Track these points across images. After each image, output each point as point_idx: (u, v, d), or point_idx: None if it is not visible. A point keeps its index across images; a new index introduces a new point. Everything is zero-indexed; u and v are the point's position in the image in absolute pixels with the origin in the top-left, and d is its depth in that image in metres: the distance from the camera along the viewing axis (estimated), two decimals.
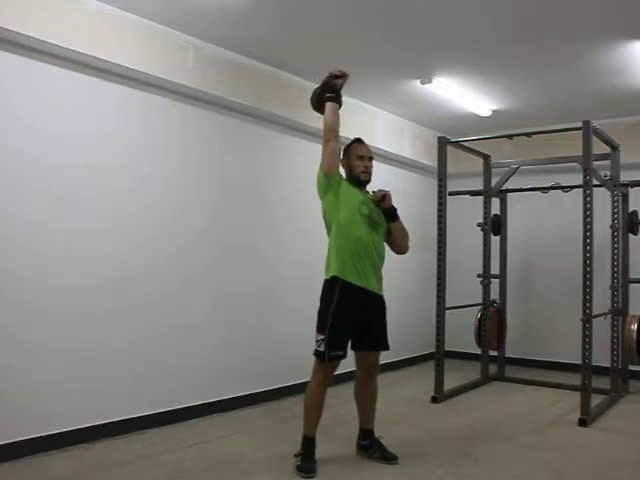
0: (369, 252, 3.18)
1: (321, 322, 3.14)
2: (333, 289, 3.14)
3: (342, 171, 3.33)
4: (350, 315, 3.14)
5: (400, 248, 3.41)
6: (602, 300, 4.64)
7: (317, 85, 3.33)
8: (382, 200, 3.28)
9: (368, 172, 3.29)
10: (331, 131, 3.17)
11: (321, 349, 3.10)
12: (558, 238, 6.08)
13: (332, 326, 3.09)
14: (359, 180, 3.28)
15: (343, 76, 3.23)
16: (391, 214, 3.31)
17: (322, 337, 3.10)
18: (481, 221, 5.54)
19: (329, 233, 3.24)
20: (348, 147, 3.35)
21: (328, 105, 3.21)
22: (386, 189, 3.32)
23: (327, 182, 3.18)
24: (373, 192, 3.31)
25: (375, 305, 3.26)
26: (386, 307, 3.32)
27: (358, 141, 3.37)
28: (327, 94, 3.22)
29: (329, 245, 3.22)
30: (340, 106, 3.27)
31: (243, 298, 4.48)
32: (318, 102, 3.28)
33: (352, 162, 3.28)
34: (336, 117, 3.20)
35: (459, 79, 4.80)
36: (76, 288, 3.45)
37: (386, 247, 3.37)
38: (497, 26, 3.76)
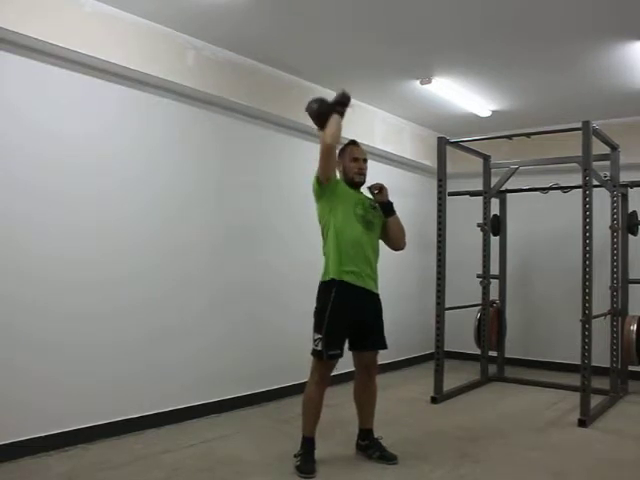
0: (365, 252, 3.20)
1: (318, 321, 3.15)
2: (329, 289, 3.15)
3: (337, 173, 3.33)
4: (347, 314, 3.15)
5: (397, 243, 3.42)
6: (602, 300, 4.65)
7: (317, 98, 3.23)
8: (379, 192, 3.29)
9: (362, 174, 3.31)
10: (336, 142, 3.12)
11: (318, 348, 3.11)
12: (557, 238, 6.08)
13: (329, 325, 3.10)
14: (353, 182, 3.30)
15: (349, 101, 3.22)
16: (388, 208, 3.33)
17: (319, 336, 3.11)
18: (481, 221, 5.54)
19: (324, 235, 3.25)
20: (343, 149, 3.36)
21: (338, 117, 3.14)
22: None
23: (321, 189, 3.19)
24: (369, 187, 3.32)
25: (372, 303, 3.27)
26: (382, 306, 3.33)
27: (353, 143, 3.38)
28: (339, 107, 3.16)
29: (325, 247, 3.24)
30: None
31: (243, 298, 4.48)
32: (326, 112, 3.15)
33: (347, 164, 3.30)
34: (340, 131, 3.18)
35: (459, 79, 4.80)
36: (75, 286, 3.45)
37: (382, 246, 3.38)
38: (497, 26, 3.76)
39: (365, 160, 3.34)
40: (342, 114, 3.16)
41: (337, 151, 3.26)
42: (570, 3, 3.38)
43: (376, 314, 3.30)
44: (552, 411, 4.49)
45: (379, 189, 3.31)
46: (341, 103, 3.17)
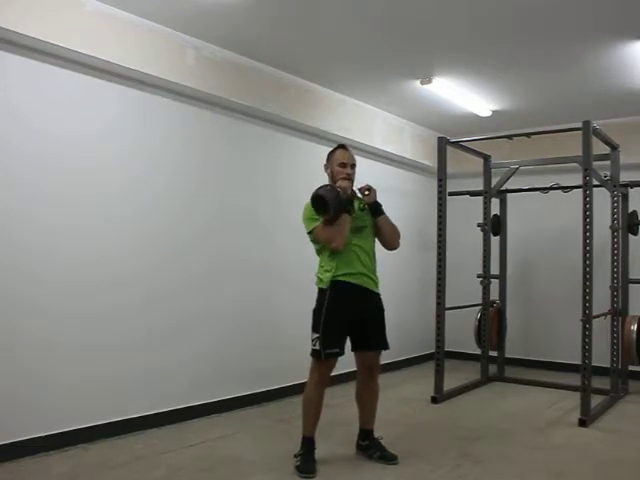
0: (359, 256, 3.21)
1: (315, 321, 3.16)
2: (326, 290, 3.17)
3: (325, 177, 3.35)
4: (344, 311, 3.15)
5: (390, 243, 3.38)
6: (602, 300, 4.64)
7: (328, 188, 3.13)
8: (368, 194, 3.26)
9: (349, 179, 3.26)
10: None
11: (316, 347, 3.11)
12: (558, 238, 6.08)
13: (326, 323, 3.11)
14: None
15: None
16: (376, 209, 3.31)
17: (317, 335, 3.12)
18: (481, 221, 5.54)
19: (317, 248, 3.26)
20: (331, 154, 3.34)
21: (348, 217, 3.14)
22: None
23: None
24: (359, 189, 3.31)
25: (371, 303, 3.27)
26: (383, 306, 3.33)
27: (341, 147, 3.35)
28: (349, 206, 3.16)
29: (320, 255, 3.25)
30: None
31: (243, 298, 4.48)
32: (340, 210, 3.11)
33: (334, 168, 3.28)
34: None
35: (459, 79, 4.80)
36: (75, 286, 3.45)
37: (380, 248, 3.39)
38: (497, 26, 3.76)
39: (353, 165, 3.30)
40: (350, 212, 3.16)
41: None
42: (570, 3, 3.37)
43: (377, 313, 3.30)
44: (552, 411, 4.49)
45: (368, 190, 3.28)
46: (349, 203, 3.17)
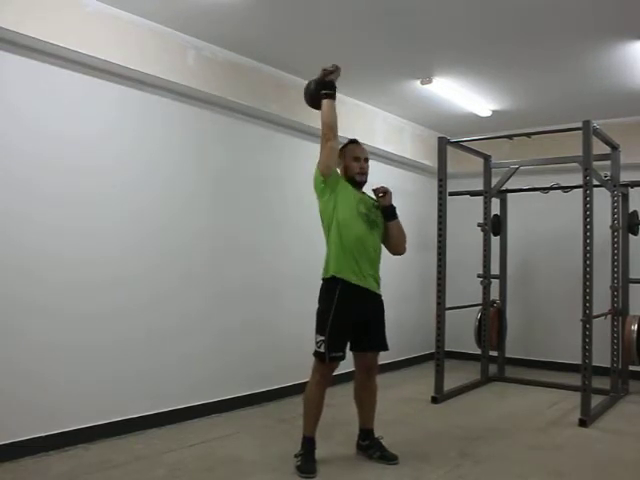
0: (367, 251, 3.18)
1: (321, 323, 3.14)
2: (332, 290, 3.13)
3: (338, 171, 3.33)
4: (349, 315, 3.14)
5: (397, 248, 3.39)
6: (602, 300, 4.64)
7: (310, 80, 3.26)
8: (383, 196, 3.28)
9: (364, 173, 3.29)
10: (330, 130, 3.13)
11: (321, 350, 3.10)
12: (558, 238, 6.08)
13: (332, 327, 3.09)
14: (355, 181, 3.28)
15: (336, 70, 3.19)
16: (390, 212, 3.31)
17: (322, 338, 3.10)
18: (481, 221, 5.54)
19: (326, 232, 3.23)
20: (344, 148, 3.34)
21: (327, 102, 3.15)
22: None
23: (324, 182, 3.16)
24: (374, 189, 3.31)
25: (373, 304, 3.26)
26: (384, 307, 3.32)
27: (354, 142, 3.37)
28: (324, 91, 3.16)
29: (327, 244, 3.21)
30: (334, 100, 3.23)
31: (243, 297, 4.48)
32: (314, 99, 3.23)
33: (348, 163, 3.28)
34: (335, 114, 3.16)
35: (459, 79, 4.80)
36: (75, 286, 3.45)
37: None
38: (497, 26, 3.76)
39: (367, 159, 3.32)
40: (331, 96, 3.16)
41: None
42: (570, 3, 3.37)
43: (378, 315, 3.29)
44: (553, 411, 4.49)
45: (384, 193, 3.29)
46: (325, 85, 3.16)
